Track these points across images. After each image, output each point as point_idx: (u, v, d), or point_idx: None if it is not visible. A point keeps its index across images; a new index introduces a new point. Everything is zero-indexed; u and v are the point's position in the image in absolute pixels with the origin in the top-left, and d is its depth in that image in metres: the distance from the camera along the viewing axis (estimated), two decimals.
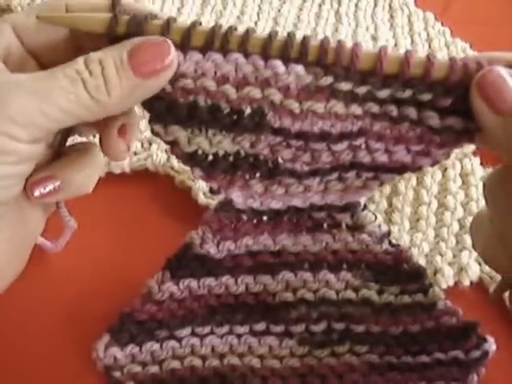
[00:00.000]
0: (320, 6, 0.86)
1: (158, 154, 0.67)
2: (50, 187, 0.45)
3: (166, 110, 0.43)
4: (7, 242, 0.44)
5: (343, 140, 0.43)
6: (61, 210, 0.51)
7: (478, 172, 0.68)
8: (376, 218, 0.50)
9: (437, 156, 0.44)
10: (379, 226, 0.50)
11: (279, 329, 0.52)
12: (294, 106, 0.42)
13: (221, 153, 0.45)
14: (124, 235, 0.63)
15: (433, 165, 0.44)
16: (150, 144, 0.68)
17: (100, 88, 0.39)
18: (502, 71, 0.40)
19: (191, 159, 0.45)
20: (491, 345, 0.52)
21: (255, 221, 0.49)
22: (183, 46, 0.41)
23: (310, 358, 0.52)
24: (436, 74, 0.40)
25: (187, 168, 0.63)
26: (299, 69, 0.41)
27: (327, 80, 0.41)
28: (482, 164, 0.69)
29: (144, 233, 0.63)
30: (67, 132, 0.47)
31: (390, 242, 0.50)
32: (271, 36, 0.40)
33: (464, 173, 0.68)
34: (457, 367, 0.52)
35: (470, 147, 0.68)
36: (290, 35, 0.40)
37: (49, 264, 0.60)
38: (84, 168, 0.47)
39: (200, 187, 0.64)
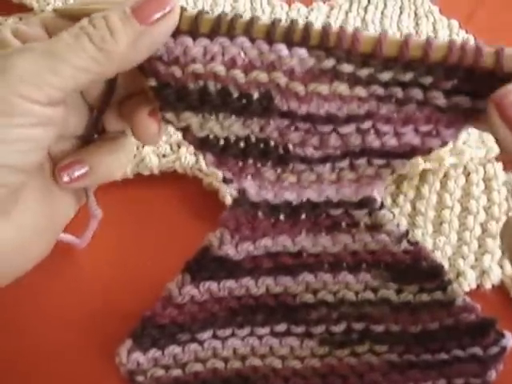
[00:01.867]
0: (347, 13, 0.87)
1: (187, 157, 0.68)
2: (77, 172, 0.46)
3: (176, 97, 0.44)
4: (33, 219, 0.45)
5: (350, 122, 0.44)
6: (89, 199, 0.52)
7: (501, 177, 0.68)
8: (394, 216, 0.50)
9: (445, 136, 0.44)
10: (398, 225, 0.50)
11: (300, 330, 0.52)
12: (299, 88, 0.43)
13: (232, 138, 0.46)
14: (152, 236, 0.64)
15: (442, 146, 0.45)
16: (179, 147, 0.69)
17: (106, 38, 0.39)
18: None
19: (203, 144, 0.46)
20: (509, 340, 0.52)
21: (272, 220, 0.49)
22: (192, 32, 0.42)
23: (330, 358, 0.53)
24: (434, 56, 0.41)
25: (215, 170, 0.66)
26: (302, 52, 0.42)
27: (329, 62, 0.42)
28: (504, 169, 0.69)
29: (172, 234, 0.64)
30: (96, 122, 0.49)
31: (408, 241, 0.50)
32: (275, 22, 0.42)
33: (487, 177, 0.68)
34: (475, 363, 0.52)
35: (494, 152, 0.68)
36: (293, 22, 0.42)
37: (74, 263, 0.61)
38: (111, 153, 0.48)
39: (226, 190, 0.65)
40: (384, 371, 0.52)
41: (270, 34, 0.42)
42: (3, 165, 0.40)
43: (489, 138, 0.69)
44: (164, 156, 0.69)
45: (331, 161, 0.47)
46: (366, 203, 0.49)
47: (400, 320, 0.52)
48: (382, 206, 0.49)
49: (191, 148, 0.68)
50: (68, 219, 0.50)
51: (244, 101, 0.44)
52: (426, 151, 0.45)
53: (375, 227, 0.49)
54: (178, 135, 0.69)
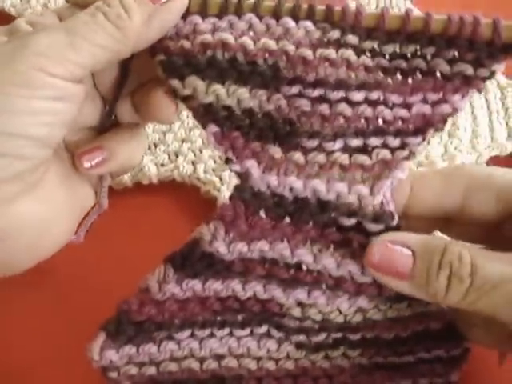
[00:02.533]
0: None
1: (185, 166, 0.69)
2: (97, 158, 0.47)
3: (183, 62, 0.44)
4: (55, 201, 0.46)
5: (360, 90, 0.44)
6: (102, 188, 0.52)
7: None
8: None
9: (454, 102, 0.44)
10: None
11: (280, 334, 0.50)
12: (308, 52, 0.44)
13: (236, 109, 0.45)
14: (150, 244, 0.63)
15: (453, 112, 0.45)
16: (177, 156, 0.70)
17: (121, 15, 0.41)
18: (381, 245, 0.44)
19: (207, 112, 0.45)
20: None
21: (274, 222, 0.46)
22: (201, 13, 0.44)
23: (304, 360, 0.51)
24: (435, 27, 0.43)
25: (213, 179, 0.67)
26: (308, 24, 0.43)
27: (335, 34, 0.43)
28: None
29: (170, 242, 0.64)
30: (109, 112, 0.50)
31: None
32: (281, 2, 0.44)
33: None
34: (439, 364, 0.51)
35: (484, 158, 0.71)
36: (298, 1, 0.44)
37: (71, 268, 0.61)
38: (129, 140, 0.49)
39: (225, 197, 0.66)
40: (353, 373, 0.52)
41: (277, 12, 0.44)
42: (27, 136, 0.41)
43: (479, 144, 0.71)
44: (162, 165, 0.70)
45: (342, 137, 0.45)
46: (383, 217, 0.46)
47: (376, 329, 0.51)
48: (399, 226, 0.47)
49: (189, 157, 0.70)
50: (86, 209, 0.51)
51: (251, 68, 0.44)
52: (439, 121, 0.45)
53: None
54: (176, 145, 0.71)
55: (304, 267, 0.47)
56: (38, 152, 0.42)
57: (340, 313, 0.49)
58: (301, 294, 0.48)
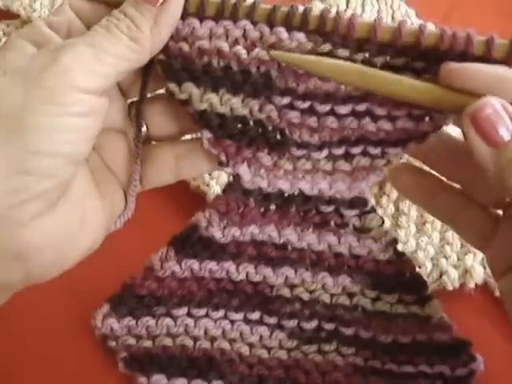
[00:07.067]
0: None
1: None
2: None
3: (181, 67, 0.46)
4: (74, 214, 0.45)
5: (347, 103, 0.45)
6: (130, 195, 0.50)
7: None
8: (383, 222, 0.50)
9: (438, 120, 0.45)
10: (386, 232, 0.50)
11: (272, 320, 0.53)
12: None
13: (230, 116, 0.47)
14: (139, 238, 0.64)
15: (435, 129, 0.46)
16: None
17: (130, 27, 0.42)
18: (495, 104, 0.41)
19: (201, 118, 0.47)
20: (479, 364, 0.52)
21: (262, 209, 0.50)
22: (199, 15, 0.44)
23: (297, 352, 0.53)
24: (426, 42, 0.43)
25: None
26: (300, 36, 0.44)
27: (326, 47, 0.44)
28: None
29: (159, 236, 0.64)
30: (138, 116, 0.49)
31: (395, 251, 0.50)
32: (275, 7, 0.44)
33: None
34: (440, 382, 0.52)
35: None
36: (293, 6, 0.44)
37: None
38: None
39: (214, 192, 0.66)
40: (347, 373, 0.53)
41: (271, 18, 0.44)
42: (56, 154, 0.41)
43: None
44: None
45: (327, 147, 0.47)
46: (358, 203, 0.49)
47: (371, 327, 0.52)
48: (373, 209, 0.50)
49: None
50: (116, 215, 0.50)
51: (244, 77, 0.45)
52: (420, 136, 0.46)
53: (363, 230, 0.50)
54: None
55: (289, 247, 0.51)
56: (65, 169, 0.42)
57: (325, 292, 0.52)
58: (288, 271, 0.52)
